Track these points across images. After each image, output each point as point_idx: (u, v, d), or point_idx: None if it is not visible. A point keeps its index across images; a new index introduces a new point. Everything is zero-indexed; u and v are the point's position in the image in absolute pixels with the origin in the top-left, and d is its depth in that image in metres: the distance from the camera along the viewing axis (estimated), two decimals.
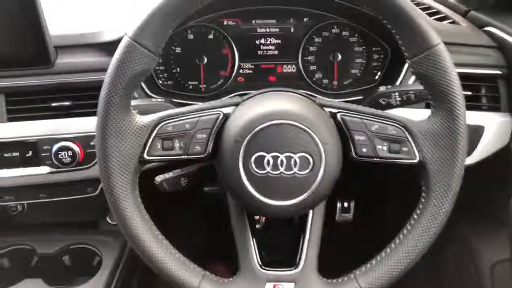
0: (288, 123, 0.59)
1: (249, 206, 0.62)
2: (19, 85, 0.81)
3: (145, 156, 0.61)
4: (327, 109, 0.64)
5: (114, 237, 0.97)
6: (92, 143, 0.83)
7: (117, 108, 0.58)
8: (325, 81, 0.92)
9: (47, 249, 0.94)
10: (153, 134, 0.61)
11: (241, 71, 0.93)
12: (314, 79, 0.92)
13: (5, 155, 0.82)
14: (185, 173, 0.74)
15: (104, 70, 0.81)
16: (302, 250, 0.64)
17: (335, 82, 0.92)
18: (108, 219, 1.02)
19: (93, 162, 0.84)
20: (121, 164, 0.59)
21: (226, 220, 0.68)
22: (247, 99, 0.65)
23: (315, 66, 0.92)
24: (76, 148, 0.82)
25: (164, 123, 0.61)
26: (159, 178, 0.73)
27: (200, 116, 0.63)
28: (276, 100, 0.63)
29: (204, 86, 0.92)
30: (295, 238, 0.65)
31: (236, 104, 0.65)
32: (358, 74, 0.92)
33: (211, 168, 0.71)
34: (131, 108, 0.61)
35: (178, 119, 0.62)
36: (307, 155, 0.59)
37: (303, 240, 0.64)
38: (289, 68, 0.93)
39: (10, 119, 0.82)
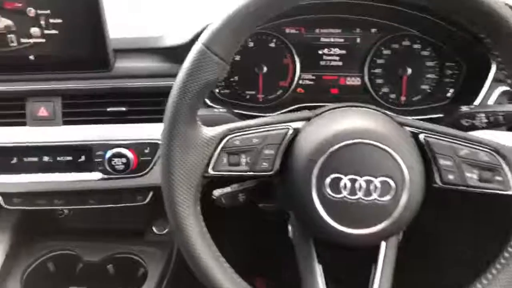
0: (369, 143, 0.53)
1: (318, 232, 0.57)
2: (76, 88, 0.79)
3: (210, 170, 0.57)
4: (408, 128, 0.58)
5: (159, 249, 0.93)
6: (146, 151, 0.80)
7: (184, 118, 0.54)
8: (392, 96, 0.86)
9: (92, 257, 0.92)
10: (219, 148, 0.57)
11: (301, 81, 0.88)
12: (380, 93, 0.86)
13: (58, 158, 0.80)
14: (244, 189, 0.70)
15: (163, 76, 0.80)
16: (373, 283, 0.58)
17: (403, 98, 0.86)
18: (154, 229, 0.99)
19: (146, 170, 0.81)
20: (185, 178, 0.55)
21: (277, 238, 0.63)
22: (319, 114, 0.60)
23: (382, 80, 0.86)
24: (130, 155, 0.79)
25: (230, 136, 0.57)
26: (217, 193, 0.68)
27: (268, 131, 0.58)
28: (354, 116, 0.58)
29: (262, 96, 0.88)
30: (366, 268, 0.60)
31: (307, 119, 0.60)
32: (429, 90, 0.85)
33: (268, 184, 0.67)
34: (197, 118, 0.57)
35: (245, 132, 0.57)
36: (389, 180, 0.53)
37: (375, 272, 0.58)
38: (353, 81, 0.87)
39: (65, 122, 0.80)
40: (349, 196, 0.54)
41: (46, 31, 0.73)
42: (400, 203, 0.53)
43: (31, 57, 0.75)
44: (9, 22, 0.72)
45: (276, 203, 0.72)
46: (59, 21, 0.72)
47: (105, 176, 0.80)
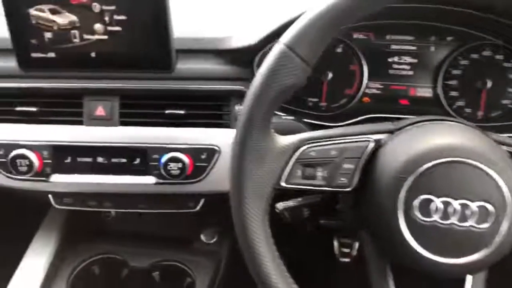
0: (466, 162, 0.47)
1: (400, 256, 0.51)
2: (135, 88, 0.76)
3: (283, 183, 0.52)
4: (504, 148, 0.52)
5: (207, 258, 0.90)
6: (203, 157, 0.76)
7: (259, 125, 0.50)
8: (468, 110, 0.79)
9: (138, 262, 0.89)
10: (294, 159, 0.52)
11: (368, 90, 0.82)
12: (454, 106, 0.80)
13: (113, 160, 0.77)
14: (309, 203, 0.65)
15: (225, 79, 0.77)
16: None
17: (480, 113, 0.79)
18: (202, 238, 0.95)
19: (201, 177, 0.77)
20: (256, 190, 0.51)
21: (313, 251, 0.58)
22: (404, 126, 0.54)
23: (457, 92, 0.79)
24: (186, 160, 0.75)
25: (306, 146, 0.53)
26: (280, 206, 0.64)
27: (347, 142, 0.53)
28: (446, 131, 0.52)
29: (325, 104, 0.83)
30: None
31: (390, 131, 0.54)
32: (510, 105, 0.78)
33: (333, 199, 0.62)
34: (271, 126, 0.52)
35: (322, 143, 0.53)
36: (488, 205, 0.47)
37: None
38: (424, 92, 0.81)
39: (122, 123, 0.77)
40: (440, 221, 0.48)
41: (109, 28, 0.71)
42: (500, 231, 0.47)
43: (92, 54, 0.73)
44: (73, 17, 0.70)
45: (341, 219, 0.66)
46: (124, 18, 0.70)
47: (160, 181, 0.77)
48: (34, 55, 0.73)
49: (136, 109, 0.77)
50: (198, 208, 0.85)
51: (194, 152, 0.76)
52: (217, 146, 0.76)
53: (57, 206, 0.85)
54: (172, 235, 0.94)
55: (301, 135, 0.53)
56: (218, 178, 0.78)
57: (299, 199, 0.65)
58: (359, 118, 0.79)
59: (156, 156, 0.76)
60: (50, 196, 0.85)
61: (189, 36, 0.77)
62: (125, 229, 0.94)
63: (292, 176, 0.52)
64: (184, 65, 0.76)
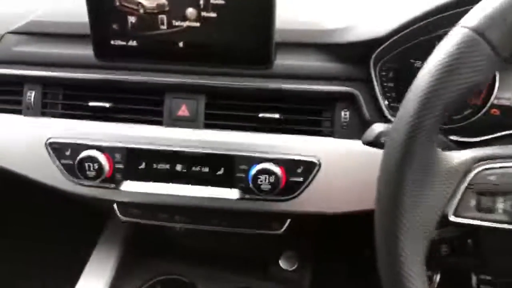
0: None
1: None
2: (226, 86, 0.66)
3: (451, 215, 0.39)
4: None
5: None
6: (298, 170, 0.64)
7: (426, 136, 0.37)
8: None
9: (207, 286, 0.77)
10: (465, 184, 0.39)
11: (496, 101, 0.68)
12: None
13: (193, 168, 0.66)
14: (449, 238, 0.51)
15: (330, 78, 0.65)
16: None
17: None
18: (281, 263, 0.83)
19: (294, 194, 0.66)
20: (417, 223, 0.38)
21: None
22: None
23: None
24: (279, 173, 0.63)
25: (482, 168, 0.39)
26: None
27: None
28: None
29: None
30: None
31: None
32: None
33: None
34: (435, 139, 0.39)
35: (505, 164, 0.39)
36: None
37: None
38: None
39: (207, 126, 0.66)
40: None
41: (203, 14, 0.60)
42: None
43: (180, 44, 0.62)
44: (163, 0, 0.60)
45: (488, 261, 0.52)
46: (221, 2, 0.59)
47: (245, 196, 0.66)
48: (113, 42, 0.63)
49: (224, 111, 0.66)
50: (282, 230, 0.73)
51: (290, 164, 0.64)
52: (317, 159, 0.64)
53: (122, 218, 0.75)
54: (246, 257, 0.82)
55: (474, 152, 0.40)
56: (314, 197, 0.66)
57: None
58: (498, 134, 0.64)
59: (244, 166, 0.65)
60: (115, 206, 0.74)
61: (289, 27, 0.65)
62: (194, 247, 0.82)
63: (463, 207, 0.39)
64: (283, 61, 0.65)
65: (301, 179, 0.64)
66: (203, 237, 0.83)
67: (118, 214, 0.75)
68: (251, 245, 0.81)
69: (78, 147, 0.66)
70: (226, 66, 0.64)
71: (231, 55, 0.62)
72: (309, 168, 0.64)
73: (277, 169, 0.64)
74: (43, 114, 0.70)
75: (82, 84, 0.69)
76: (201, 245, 0.83)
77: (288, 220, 0.73)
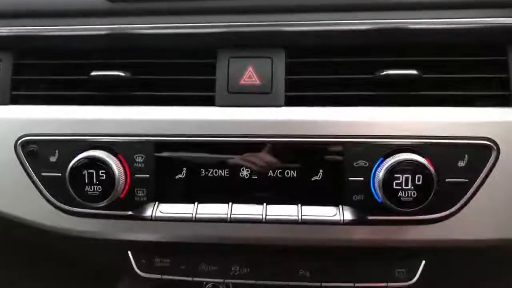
0: None
1: None
2: (320, 30, 0.41)
3: None
4: None
5: None
6: (461, 164, 0.41)
7: None
8: None
9: None
10: None
11: None
12: None
13: (271, 174, 0.39)
14: None
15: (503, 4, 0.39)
16: None
17: None
18: None
19: (452, 209, 0.40)
20: None
21: None
22: None
23: None
24: (430, 169, 0.38)
25: None
26: None
27: None
28: None
29: None
30: None
31: None
32: None
33: None
34: None
35: None
36: None
37: None
38: None
39: (290, 100, 0.41)
40: None
41: None
42: None
43: None
44: None
45: None
46: None
47: (367, 217, 0.40)
48: None
49: (319, 74, 0.42)
50: (414, 280, 0.44)
51: (444, 153, 0.38)
52: (491, 142, 0.37)
53: (142, 275, 0.45)
54: None
55: None
56: (488, 211, 0.39)
57: None
58: None
59: (363, 162, 0.38)
60: (130, 254, 0.45)
61: None
62: None
63: None
64: None
65: (465, 179, 0.37)
66: None
67: (135, 268, 0.45)
68: None
69: (72, 147, 0.41)
70: None
71: None
72: (478, 157, 0.39)
73: (423, 161, 0.36)
74: (13, 100, 0.42)
75: (80, 45, 0.42)
76: None
77: (423, 263, 0.43)
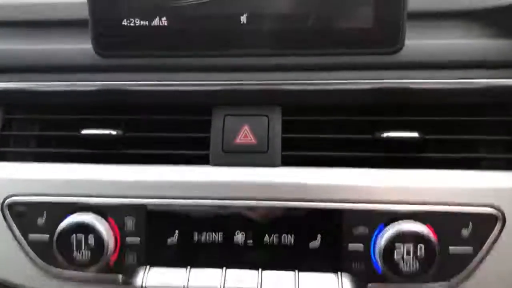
0: None
1: None
2: (318, 89, 0.40)
3: None
4: None
5: None
6: (465, 233, 0.39)
7: None
8: None
9: None
10: None
11: None
12: None
13: (266, 239, 0.40)
14: None
15: (501, 65, 0.38)
16: None
17: None
18: None
19: (454, 279, 0.38)
20: None
21: None
22: None
23: None
24: (431, 239, 0.38)
25: None
26: None
27: None
28: None
29: None
30: None
31: None
32: None
33: None
34: None
35: None
36: None
37: None
38: None
39: (286, 160, 0.40)
40: None
41: None
42: None
43: (243, 19, 0.36)
44: None
45: None
46: None
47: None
48: (127, 23, 0.37)
49: (316, 133, 0.40)
50: None
51: (447, 221, 0.37)
52: (496, 210, 0.36)
53: None
54: None
55: None
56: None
57: None
58: None
59: (362, 229, 0.37)
60: None
61: None
62: None
63: None
64: (417, 40, 0.40)
65: (469, 249, 0.35)
66: None
67: None
68: None
69: (60, 209, 0.39)
70: (324, 51, 0.37)
71: (335, 34, 0.36)
72: (483, 226, 0.38)
73: (425, 232, 0.34)
74: (1, 156, 0.41)
75: (71, 100, 0.41)
76: None
77: None
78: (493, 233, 0.37)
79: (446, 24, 0.41)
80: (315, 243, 0.39)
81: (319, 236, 0.39)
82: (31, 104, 0.42)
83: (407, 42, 0.39)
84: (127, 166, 0.40)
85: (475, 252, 0.37)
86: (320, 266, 0.38)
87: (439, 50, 0.40)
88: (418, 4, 0.40)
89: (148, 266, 0.39)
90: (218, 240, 0.39)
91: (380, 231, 0.37)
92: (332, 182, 0.38)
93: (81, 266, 0.37)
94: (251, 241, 0.39)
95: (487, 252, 0.37)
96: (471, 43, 0.40)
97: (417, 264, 0.37)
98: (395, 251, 0.36)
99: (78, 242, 0.38)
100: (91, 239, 0.37)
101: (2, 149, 0.42)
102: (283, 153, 0.39)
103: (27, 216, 0.39)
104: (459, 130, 0.40)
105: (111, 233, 0.38)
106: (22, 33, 0.43)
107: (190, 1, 0.38)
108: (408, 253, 0.36)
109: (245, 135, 0.40)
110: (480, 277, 0.37)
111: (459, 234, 0.37)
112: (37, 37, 0.43)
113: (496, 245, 0.37)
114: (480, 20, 0.40)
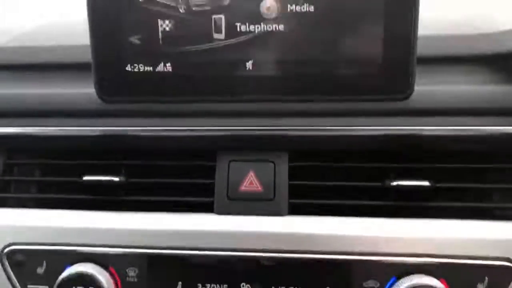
0: None
1: None
2: (325, 135, 0.39)
3: None
4: None
5: None
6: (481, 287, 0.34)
7: None
8: None
9: None
10: None
11: None
12: None
13: None
14: None
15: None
16: None
17: None
18: None
19: None
20: None
21: None
22: None
23: None
24: None
25: None
26: None
27: None
28: None
29: None
30: None
31: None
32: None
33: None
34: None
35: None
36: None
37: None
38: None
39: (294, 209, 0.39)
40: None
41: (292, 8, 0.35)
42: None
43: (248, 65, 0.35)
44: None
45: None
46: None
47: None
48: (131, 68, 0.36)
49: (324, 180, 0.39)
50: None
51: (462, 275, 0.36)
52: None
53: None
54: None
55: None
56: None
57: None
58: None
59: (373, 284, 0.34)
60: None
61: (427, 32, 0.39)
62: None
63: None
64: (427, 87, 0.38)
65: None
66: None
67: None
68: None
69: (61, 258, 0.38)
70: (331, 97, 0.36)
71: (342, 80, 0.35)
72: (499, 280, 0.36)
73: (438, 286, 0.33)
74: (1, 202, 0.40)
75: (73, 145, 0.40)
76: None
77: None
78: (509, 287, 0.35)
79: (455, 69, 0.40)
80: None
81: None
82: (32, 149, 0.41)
83: (417, 88, 0.38)
84: (129, 214, 0.39)
85: None
86: None
87: (448, 96, 0.38)
88: (426, 49, 0.40)
89: None
90: None
91: (391, 285, 0.35)
92: (340, 233, 0.36)
93: None
94: None
95: None
96: (481, 89, 0.38)
97: None
98: None
99: None
100: None
101: (3, 194, 0.41)
102: (290, 200, 0.38)
103: (26, 265, 0.38)
104: (471, 178, 0.38)
105: (112, 284, 0.37)
106: (24, 77, 0.42)
107: (195, 47, 0.38)
108: None
109: (251, 182, 0.39)
110: None
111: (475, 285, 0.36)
112: (39, 81, 0.42)
113: None
114: (490, 66, 0.39)
